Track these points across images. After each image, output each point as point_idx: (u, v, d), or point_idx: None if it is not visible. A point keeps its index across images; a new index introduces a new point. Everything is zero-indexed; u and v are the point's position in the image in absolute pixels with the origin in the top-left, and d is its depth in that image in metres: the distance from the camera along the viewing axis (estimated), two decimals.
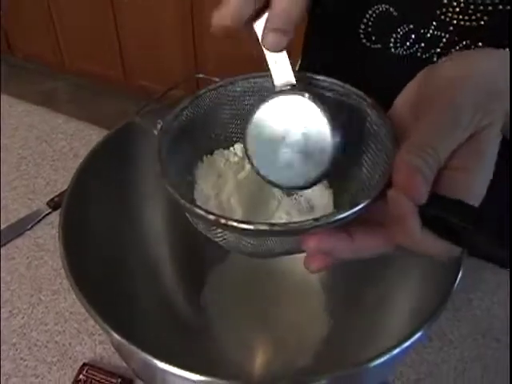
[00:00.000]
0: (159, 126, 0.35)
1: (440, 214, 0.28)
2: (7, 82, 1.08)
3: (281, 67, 0.34)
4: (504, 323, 0.58)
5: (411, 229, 0.28)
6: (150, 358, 0.30)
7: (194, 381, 0.29)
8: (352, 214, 0.29)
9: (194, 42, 1.96)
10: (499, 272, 0.63)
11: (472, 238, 0.28)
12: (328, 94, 0.37)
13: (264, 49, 0.34)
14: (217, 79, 0.37)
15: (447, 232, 0.29)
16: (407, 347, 0.31)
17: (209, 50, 1.96)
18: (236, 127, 0.39)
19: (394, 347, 0.31)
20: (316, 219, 0.28)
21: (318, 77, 0.37)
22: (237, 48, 1.81)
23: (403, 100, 0.34)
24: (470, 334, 0.57)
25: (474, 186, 0.29)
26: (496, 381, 0.54)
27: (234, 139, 0.40)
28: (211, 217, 0.29)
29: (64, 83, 2.25)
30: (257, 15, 0.34)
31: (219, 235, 0.34)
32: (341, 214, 0.28)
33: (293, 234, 0.31)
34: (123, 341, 0.32)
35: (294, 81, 0.34)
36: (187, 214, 0.34)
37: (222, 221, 0.29)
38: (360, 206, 0.29)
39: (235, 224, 0.28)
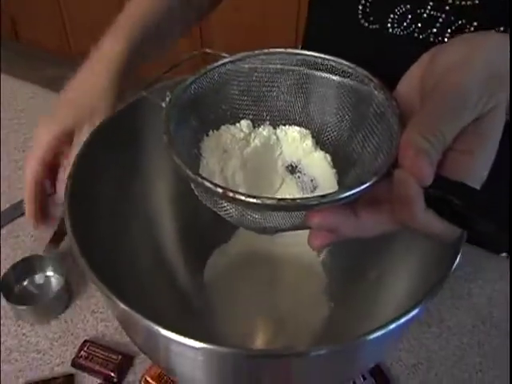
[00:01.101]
0: (167, 99, 0.35)
1: (442, 195, 0.29)
2: (12, 69, 1.08)
3: None
4: (504, 312, 0.58)
5: (416, 210, 0.29)
6: (153, 325, 0.31)
7: (196, 348, 0.30)
8: (358, 192, 0.29)
9: (201, 32, 1.97)
10: (501, 261, 0.63)
11: (472, 219, 0.29)
12: (335, 74, 0.38)
13: None
14: (225, 54, 0.38)
15: (449, 213, 0.29)
16: (402, 324, 0.31)
17: (215, 39, 1.96)
18: (242, 103, 0.39)
19: (390, 323, 0.31)
20: (322, 196, 0.28)
21: (326, 56, 0.37)
22: (245, 40, 1.82)
23: (407, 82, 0.35)
24: (470, 322, 0.58)
25: (476, 168, 0.30)
26: (494, 368, 0.54)
27: (241, 115, 0.40)
28: (219, 190, 0.29)
29: (68, 70, 2.25)
30: None
31: (225, 209, 0.34)
32: (347, 191, 0.28)
33: (298, 210, 0.31)
34: (128, 309, 0.32)
35: None
36: (193, 187, 0.34)
37: (230, 194, 0.29)
38: (366, 185, 0.29)
39: (242, 198, 0.28)
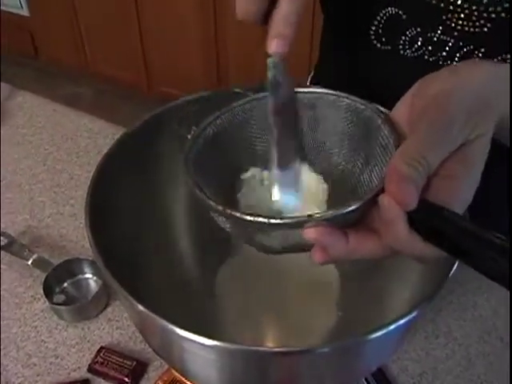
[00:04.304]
0: (192, 132, 0.38)
1: (427, 220, 0.30)
2: (31, 86, 1.13)
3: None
4: (508, 324, 0.59)
5: (399, 232, 0.30)
6: (168, 324, 0.33)
7: (209, 346, 0.32)
8: (345, 213, 0.30)
9: (217, 50, 2.01)
10: None
11: (458, 244, 0.29)
12: (346, 111, 0.39)
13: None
14: (250, 93, 0.40)
15: (434, 237, 0.30)
16: (401, 325, 0.33)
17: (230, 57, 2.01)
18: (262, 141, 0.41)
19: (389, 324, 0.33)
20: (309, 215, 0.30)
21: (338, 93, 0.39)
22: (258, 56, 1.85)
23: (399, 109, 0.36)
24: (475, 333, 0.59)
25: (460, 193, 0.31)
26: (500, 378, 0.55)
27: (260, 152, 0.41)
28: (219, 207, 0.32)
29: (86, 88, 2.31)
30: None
31: (232, 228, 0.36)
32: (334, 212, 0.30)
33: (288, 228, 0.32)
34: (146, 310, 0.34)
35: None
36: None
37: (228, 211, 0.32)
38: (352, 207, 0.30)
39: (238, 215, 0.31)
